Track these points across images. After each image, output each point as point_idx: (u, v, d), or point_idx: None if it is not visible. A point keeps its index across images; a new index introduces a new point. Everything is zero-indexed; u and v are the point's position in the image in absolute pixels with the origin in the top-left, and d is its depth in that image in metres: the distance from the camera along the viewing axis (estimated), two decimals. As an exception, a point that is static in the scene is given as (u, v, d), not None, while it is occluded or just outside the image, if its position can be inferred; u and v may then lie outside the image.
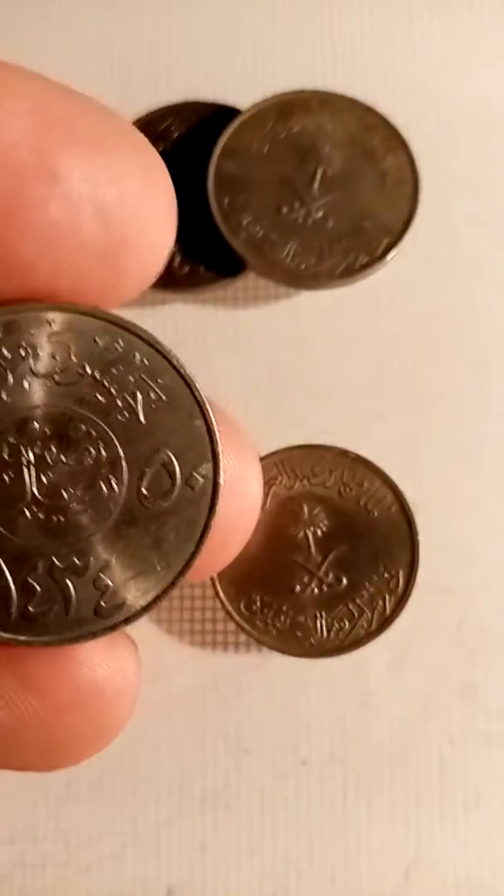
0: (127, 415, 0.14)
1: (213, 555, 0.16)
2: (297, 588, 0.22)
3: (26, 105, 0.12)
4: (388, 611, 0.21)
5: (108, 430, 0.14)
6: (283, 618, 0.21)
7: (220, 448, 0.15)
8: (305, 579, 0.22)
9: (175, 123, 0.25)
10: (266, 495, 0.22)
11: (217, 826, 0.22)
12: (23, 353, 0.14)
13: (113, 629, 0.14)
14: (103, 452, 0.14)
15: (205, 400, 0.15)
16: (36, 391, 0.14)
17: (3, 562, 0.14)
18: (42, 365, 0.14)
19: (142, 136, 0.13)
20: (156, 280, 0.24)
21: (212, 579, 0.22)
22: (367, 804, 0.22)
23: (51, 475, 0.14)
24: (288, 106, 0.24)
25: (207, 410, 0.15)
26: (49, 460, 0.14)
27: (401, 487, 0.22)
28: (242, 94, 0.25)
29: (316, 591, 0.21)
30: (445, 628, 0.23)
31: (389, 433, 0.24)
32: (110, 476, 0.14)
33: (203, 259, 0.24)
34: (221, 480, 0.15)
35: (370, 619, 0.21)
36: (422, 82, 0.26)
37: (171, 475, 0.15)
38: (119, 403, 0.14)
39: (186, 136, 0.25)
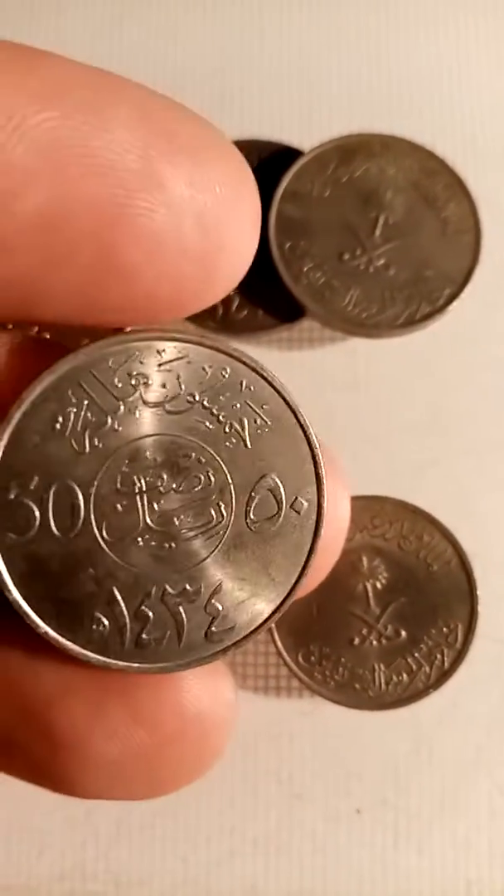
0: (234, 441, 0.15)
1: (312, 577, 0.16)
2: (356, 640, 0.22)
3: (134, 114, 0.12)
4: (446, 665, 0.21)
5: (216, 456, 0.15)
6: (341, 670, 0.22)
7: (323, 472, 0.15)
8: (364, 631, 0.22)
9: (234, 162, 0.25)
10: (325, 546, 0.22)
11: (268, 868, 0.23)
12: (133, 382, 0.14)
13: (224, 653, 0.15)
14: (212, 479, 0.15)
15: (308, 425, 0.15)
16: (147, 420, 0.15)
17: (118, 590, 0.15)
18: (153, 394, 0.14)
19: (232, 145, 0.14)
20: (212, 323, 0.24)
21: (270, 629, 0.22)
22: (418, 850, 0.22)
23: (162, 503, 0.15)
24: (350, 149, 0.24)
25: (311, 435, 0.15)
26: (160, 488, 0.15)
27: (456, 535, 0.22)
28: (303, 134, 0.24)
29: (375, 643, 0.22)
30: (499, 678, 0.23)
31: (445, 481, 0.24)
32: (220, 502, 0.15)
33: (261, 304, 0.24)
34: (325, 504, 0.15)
35: (428, 672, 0.21)
36: (485, 129, 0.25)
37: (278, 499, 0.15)
38: (226, 430, 0.15)
39: (245, 176, 0.25)
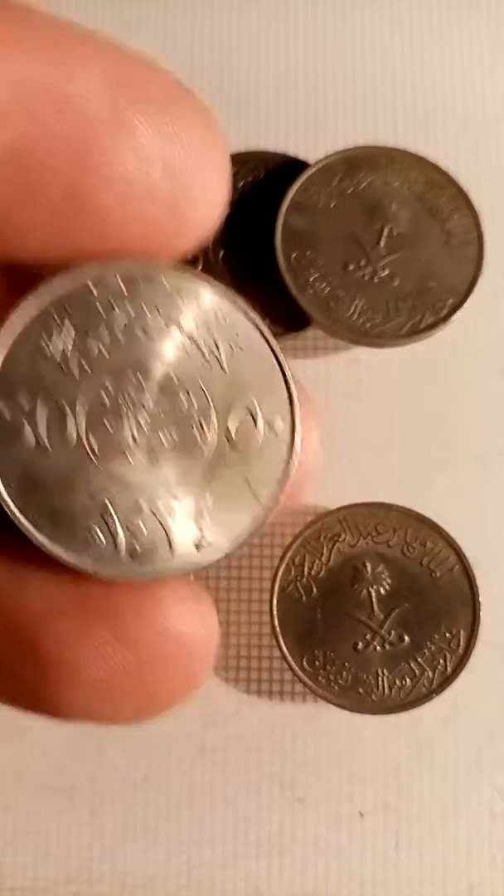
0: (212, 365, 0.15)
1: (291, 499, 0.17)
2: (360, 645, 0.22)
3: (108, 66, 0.13)
4: (448, 670, 0.22)
5: (196, 379, 0.15)
6: (345, 674, 0.22)
7: (295, 396, 0.16)
8: (368, 637, 0.22)
9: (241, 172, 0.25)
10: (329, 552, 0.23)
11: (271, 871, 0.23)
12: (116, 308, 0.15)
13: (215, 564, 0.15)
14: (193, 400, 0.15)
15: (282, 355, 0.16)
16: (130, 344, 0.15)
17: (110, 503, 0.15)
18: (135, 320, 0.15)
19: (202, 101, 0.14)
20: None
21: (275, 633, 0.22)
22: (420, 854, 0.23)
23: (148, 421, 0.15)
24: (355, 161, 0.24)
25: (284, 364, 0.16)
26: (145, 408, 0.15)
27: (459, 542, 0.22)
28: (308, 146, 0.25)
29: (378, 648, 0.22)
30: (500, 683, 0.23)
31: (447, 489, 0.24)
32: (202, 422, 0.15)
33: (268, 313, 0.24)
34: (299, 426, 0.15)
35: (431, 677, 0.22)
36: (489, 143, 0.26)
37: (255, 420, 0.16)
38: (205, 356, 0.15)
39: (251, 186, 0.25)
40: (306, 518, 0.24)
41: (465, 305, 0.23)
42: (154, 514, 0.15)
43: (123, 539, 0.15)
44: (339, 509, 0.23)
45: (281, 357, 0.16)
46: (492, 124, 0.26)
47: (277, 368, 0.16)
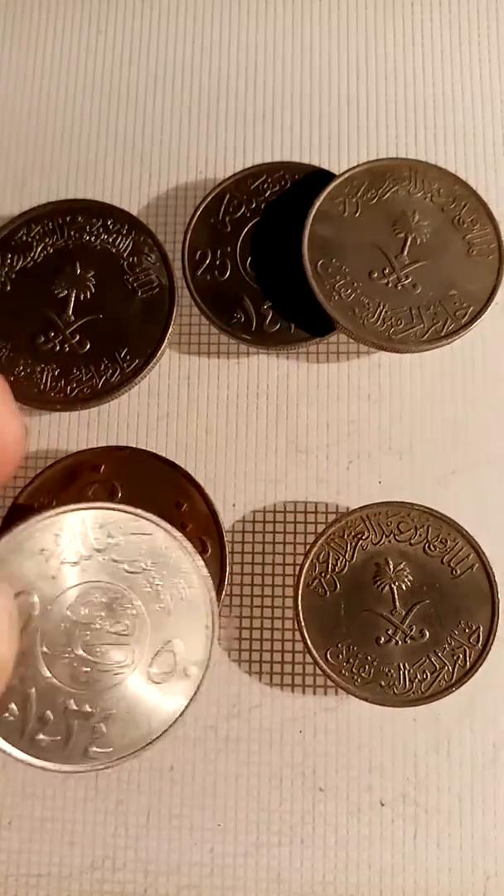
0: (162, 606, 0.19)
1: None
2: (382, 639, 0.23)
3: None
4: (468, 664, 0.22)
5: (145, 614, 0.19)
6: (367, 668, 0.23)
7: (213, 645, 0.19)
8: (390, 631, 0.23)
9: (268, 182, 0.26)
10: (353, 549, 0.23)
11: (292, 860, 0.24)
12: (108, 539, 0.19)
13: (95, 770, 0.19)
14: (136, 629, 0.19)
15: (213, 599, 0.19)
16: (103, 569, 0.19)
17: (35, 692, 0.18)
18: (116, 553, 0.19)
19: None
20: (246, 336, 0.25)
21: (300, 628, 0.23)
22: (438, 844, 0.23)
23: (93, 636, 0.19)
24: (380, 172, 0.25)
25: (214, 612, 0.19)
26: (96, 623, 0.19)
27: (477, 541, 0.23)
28: (334, 157, 0.26)
29: (400, 643, 0.23)
30: (515, 679, 0.24)
31: (466, 490, 0.25)
32: (135, 649, 0.19)
33: (294, 318, 0.25)
34: (208, 668, 0.19)
35: (451, 671, 0.22)
36: (509, 157, 0.27)
37: (176, 662, 0.19)
38: (160, 596, 0.19)
39: (278, 196, 0.26)
40: (329, 517, 0.25)
41: (485, 314, 0.24)
42: (64, 713, 0.19)
43: (30, 726, 0.18)
44: (361, 508, 0.23)
45: (213, 604, 0.19)
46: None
47: (208, 616, 0.19)
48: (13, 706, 0.18)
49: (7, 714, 0.18)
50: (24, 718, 0.18)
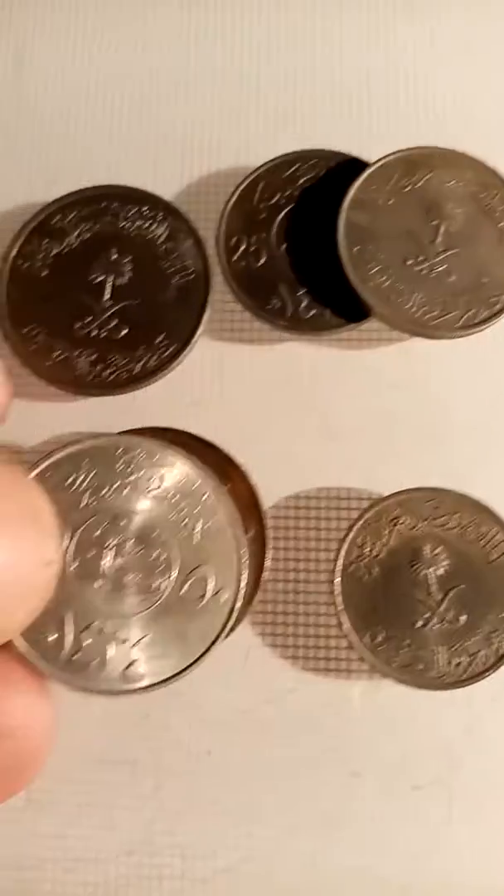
0: (188, 535, 0.19)
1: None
2: (419, 623, 0.23)
3: None
4: (503, 649, 0.23)
5: (173, 541, 0.19)
6: (405, 651, 0.23)
7: (244, 576, 0.19)
8: (427, 615, 0.23)
9: (302, 169, 0.26)
10: (390, 534, 0.23)
11: (327, 844, 0.24)
12: (131, 469, 0.19)
13: (130, 693, 0.19)
14: (164, 556, 0.19)
15: (241, 538, 0.20)
16: (132, 498, 0.19)
17: (72, 613, 0.19)
18: (142, 482, 0.19)
19: None
20: (282, 322, 0.25)
21: (339, 612, 0.23)
22: (470, 828, 0.24)
23: (123, 560, 0.19)
24: (413, 161, 0.25)
25: (242, 546, 0.20)
26: (125, 549, 0.19)
27: (509, 528, 0.23)
28: (367, 146, 0.26)
29: (437, 627, 0.23)
30: (549, 663, 0.24)
31: (500, 474, 0.25)
32: (165, 574, 0.19)
33: (330, 304, 0.25)
34: (239, 602, 0.19)
35: (487, 655, 0.23)
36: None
37: (205, 587, 0.19)
38: (185, 524, 0.20)
39: (314, 183, 0.26)
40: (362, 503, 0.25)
41: (518, 300, 0.24)
42: (99, 635, 0.19)
43: (68, 647, 0.19)
44: (396, 493, 0.24)
45: (241, 542, 0.20)
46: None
47: (235, 552, 0.19)
48: (51, 629, 0.19)
49: (45, 635, 0.19)
50: (59, 641, 0.19)
